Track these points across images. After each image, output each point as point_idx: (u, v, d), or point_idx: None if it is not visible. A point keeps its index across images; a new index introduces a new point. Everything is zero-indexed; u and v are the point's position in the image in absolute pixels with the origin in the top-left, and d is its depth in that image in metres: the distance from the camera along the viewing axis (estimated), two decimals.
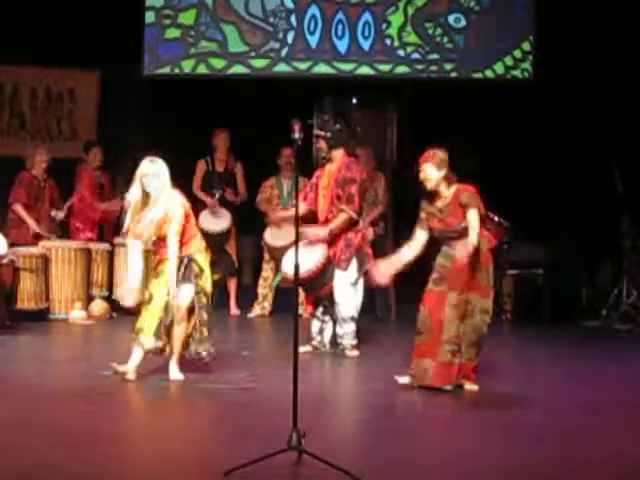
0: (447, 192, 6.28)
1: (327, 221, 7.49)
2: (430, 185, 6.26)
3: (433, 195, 6.30)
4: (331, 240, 7.44)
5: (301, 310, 8.82)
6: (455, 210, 6.21)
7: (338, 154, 7.56)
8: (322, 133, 7.57)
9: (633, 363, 7.56)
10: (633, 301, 9.66)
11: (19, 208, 9.42)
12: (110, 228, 9.92)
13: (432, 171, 6.23)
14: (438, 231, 6.28)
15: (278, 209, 9.62)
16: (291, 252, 7.28)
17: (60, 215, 9.74)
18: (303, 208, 7.48)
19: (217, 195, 9.71)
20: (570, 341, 8.72)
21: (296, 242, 5.31)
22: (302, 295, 8.39)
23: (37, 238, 9.38)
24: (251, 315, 9.78)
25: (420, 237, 6.34)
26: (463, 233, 6.12)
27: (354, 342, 7.59)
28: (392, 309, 9.68)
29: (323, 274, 7.39)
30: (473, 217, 6.11)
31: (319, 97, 11.36)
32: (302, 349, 7.47)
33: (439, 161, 6.25)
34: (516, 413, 5.71)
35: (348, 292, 7.50)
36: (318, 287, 7.49)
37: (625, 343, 8.80)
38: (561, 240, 10.22)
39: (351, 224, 7.49)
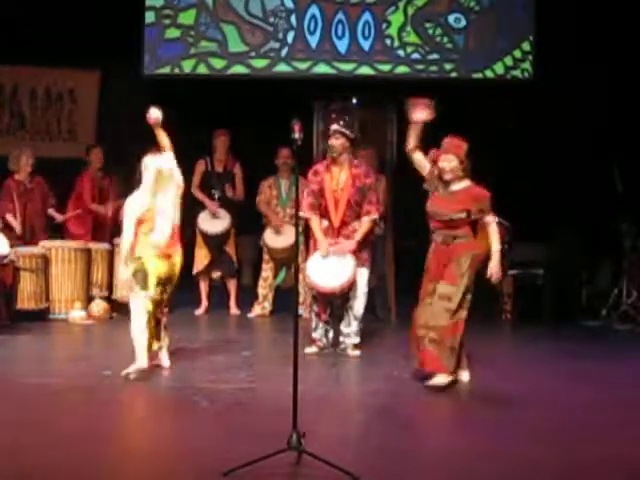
0: (459, 184, 6.30)
1: (344, 224, 7.48)
2: (447, 177, 6.28)
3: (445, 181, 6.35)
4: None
5: (301, 310, 8.82)
6: (464, 201, 6.23)
7: (346, 157, 7.52)
8: (348, 132, 7.46)
9: (633, 363, 7.56)
10: (633, 301, 9.65)
11: (10, 218, 9.40)
12: (104, 230, 9.90)
13: (456, 163, 6.25)
14: (433, 211, 6.30)
15: (278, 210, 9.62)
16: (315, 261, 7.32)
17: (59, 217, 9.74)
18: (318, 221, 7.44)
19: (216, 195, 9.70)
20: (570, 341, 8.71)
21: (296, 243, 5.33)
22: (302, 295, 8.38)
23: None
24: (251, 315, 9.77)
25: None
26: (453, 225, 6.22)
27: (358, 341, 7.59)
28: (392, 309, 9.67)
29: (352, 285, 7.43)
30: (494, 228, 6.27)
31: (319, 97, 11.36)
32: (308, 350, 7.49)
33: (464, 154, 6.28)
34: (516, 412, 5.71)
35: (365, 289, 7.55)
36: (341, 295, 7.51)
37: (625, 343, 8.79)
38: (561, 240, 10.21)
39: (374, 227, 7.73)
